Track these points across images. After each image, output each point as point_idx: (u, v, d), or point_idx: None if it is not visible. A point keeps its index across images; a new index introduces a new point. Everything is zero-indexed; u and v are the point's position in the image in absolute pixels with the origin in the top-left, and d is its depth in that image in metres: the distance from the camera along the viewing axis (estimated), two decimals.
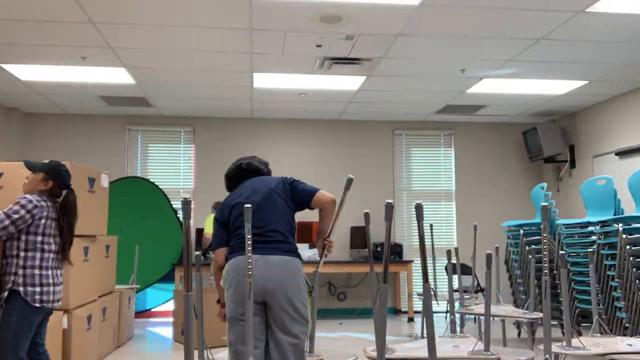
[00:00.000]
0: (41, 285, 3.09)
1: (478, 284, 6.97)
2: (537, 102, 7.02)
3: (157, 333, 6.40)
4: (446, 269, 5.15)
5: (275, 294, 2.68)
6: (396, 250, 7.35)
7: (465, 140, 8.16)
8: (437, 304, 7.17)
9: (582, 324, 5.39)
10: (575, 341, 3.03)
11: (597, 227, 4.82)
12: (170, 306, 7.36)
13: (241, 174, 3.03)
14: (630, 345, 3.00)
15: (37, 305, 3.06)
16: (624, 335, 4.50)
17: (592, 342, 3.10)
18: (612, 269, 4.62)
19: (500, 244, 7.96)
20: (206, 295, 4.05)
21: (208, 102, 6.96)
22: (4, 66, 5.49)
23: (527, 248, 5.64)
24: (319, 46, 4.96)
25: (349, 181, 2.94)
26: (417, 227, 2.43)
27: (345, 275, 7.67)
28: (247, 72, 5.73)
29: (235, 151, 7.73)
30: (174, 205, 7.40)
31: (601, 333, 3.88)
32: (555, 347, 2.92)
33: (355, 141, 7.99)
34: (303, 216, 7.67)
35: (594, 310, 3.42)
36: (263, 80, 6.02)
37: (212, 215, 6.12)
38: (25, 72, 5.67)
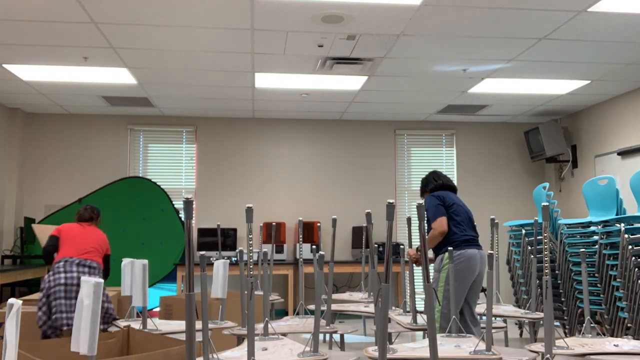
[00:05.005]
0: None
1: None
2: (538, 102, 7.02)
3: None
4: None
5: (481, 277, 4.05)
6: (397, 250, 7.35)
7: (467, 140, 8.15)
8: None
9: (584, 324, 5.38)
10: (560, 341, 3.03)
11: (599, 227, 4.82)
12: None
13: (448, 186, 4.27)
14: (617, 345, 3.00)
15: None
16: (626, 335, 4.49)
17: (579, 343, 3.11)
18: (614, 268, 4.62)
19: (502, 244, 7.98)
20: None
21: (210, 102, 6.96)
22: (6, 66, 5.50)
23: (529, 248, 5.64)
24: (320, 46, 4.96)
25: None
26: (418, 227, 2.43)
27: (347, 275, 7.68)
28: (249, 72, 5.74)
29: (237, 151, 7.75)
30: (175, 205, 7.41)
31: (601, 333, 3.88)
32: (538, 346, 2.93)
33: (357, 141, 7.99)
34: (305, 216, 7.70)
35: (585, 310, 3.42)
36: (265, 80, 6.02)
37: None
38: (28, 72, 5.69)
